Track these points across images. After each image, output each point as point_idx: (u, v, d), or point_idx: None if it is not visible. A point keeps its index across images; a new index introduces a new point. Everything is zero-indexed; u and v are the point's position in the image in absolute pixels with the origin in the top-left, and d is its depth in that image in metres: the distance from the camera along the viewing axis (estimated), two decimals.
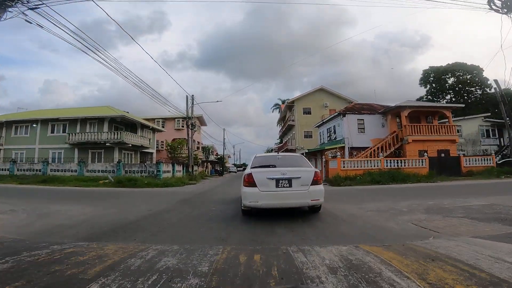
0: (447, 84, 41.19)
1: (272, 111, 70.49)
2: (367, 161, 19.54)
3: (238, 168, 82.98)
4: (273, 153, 11.93)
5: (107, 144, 25.65)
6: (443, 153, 22.04)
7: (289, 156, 7.98)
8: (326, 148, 22.73)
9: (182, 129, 38.59)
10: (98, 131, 26.81)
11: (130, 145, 26.59)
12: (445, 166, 20.10)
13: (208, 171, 42.58)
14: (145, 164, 24.43)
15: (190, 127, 25.81)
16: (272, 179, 5.68)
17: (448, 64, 42.23)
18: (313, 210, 6.60)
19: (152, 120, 38.66)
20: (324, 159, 22.56)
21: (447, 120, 23.73)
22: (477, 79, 40.56)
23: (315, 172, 6.03)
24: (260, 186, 5.66)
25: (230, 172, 57.49)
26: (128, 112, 34.38)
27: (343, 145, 22.94)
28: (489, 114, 31.40)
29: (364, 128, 23.86)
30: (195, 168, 34.14)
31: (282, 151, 47.56)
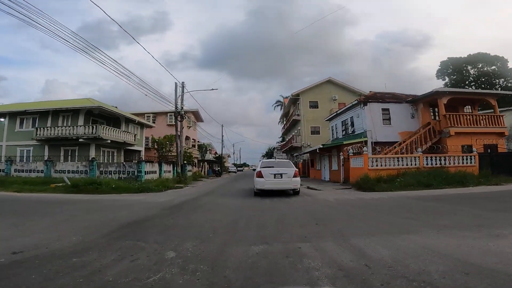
0: (470, 76, 36.55)
1: (274, 109, 65.92)
2: (402, 158, 14.93)
3: (239, 168, 78.32)
4: (272, 159, 16.85)
5: (80, 140, 21.08)
6: (490, 148, 17.47)
7: (281, 161, 13.33)
8: (344, 143, 18.12)
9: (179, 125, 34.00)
10: (71, 125, 22.25)
11: (109, 141, 21.99)
12: (499, 164, 15.51)
13: (204, 172, 37.98)
14: (124, 163, 19.82)
15: (179, 119, 21.17)
16: (272, 174, 10.66)
17: (469, 55, 37.66)
18: (295, 193, 11.36)
19: (142, 115, 34.05)
20: (342, 157, 17.96)
21: (492, 110, 19.19)
22: (501, 70, 35.94)
23: (295, 170, 11.18)
24: (265, 177, 10.59)
25: (229, 172, 52.87)
26: (116, 107, 29.89)
27: (364, 139, 18.34)
28: None
29: (390, 119, 19.24)
30: (189, 168, 29.52)
31: (286, 149, 43.05)
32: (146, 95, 27.10)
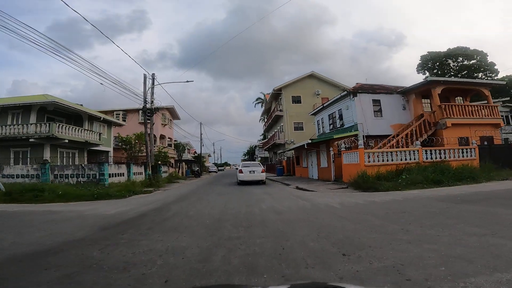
0: (451, 70, 36.27)
1: (255, 106, 63.77)
2: (401, 152, 13.29)
3: (220, 168, 75.47)
4: (248, 162, 25.75)
5: (31, 139, 17.88)
6: (486, 140, 16.36)
7: (254, 163, 20.71)
8: (334, 137, 16.31)
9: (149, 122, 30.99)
10: (22, 123, 18.93)
11: (67, 141, 18.89)
12: (498, 157, 14.30)
13: (182, 172, 35.23)
14: (83, 165, 16.90)
15: (148, 114, 18.50)
16: (248, 170, 16.75)
17: (449, 48, 37.44)
18: (263, 182, 16.89)
19: (110, 112, 30.78)
20: (332, 152, 16.14)
21: (485, 101, 18.15)
22: (481, 64, 35.94)
23: (262, 169, 17.61)
24: (244, 173, 16.65)
25: (210, 172, 50.15)
26: (82, 105, 26.54)
27: (355, 133, 16.65)
28: (508, 98, 26.47)
29: (381, 111, 17.69)
30: (164, 169, 26.75)
31: (268, 147, 41.09)
32: (101, 83, 24.13)
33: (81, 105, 27.35)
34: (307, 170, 21.08)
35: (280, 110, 33.86)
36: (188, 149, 44.73)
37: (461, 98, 19.11)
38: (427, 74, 38.51)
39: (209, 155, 75.22)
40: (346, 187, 12.08)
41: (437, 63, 37.61)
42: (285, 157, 29.98)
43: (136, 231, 4.94)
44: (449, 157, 13.66)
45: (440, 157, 13.49)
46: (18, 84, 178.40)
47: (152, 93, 19.24)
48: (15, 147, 19.14)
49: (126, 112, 31.37)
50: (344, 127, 18.37)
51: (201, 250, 3.74)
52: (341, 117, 19.03)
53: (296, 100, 34.15)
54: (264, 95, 47.79)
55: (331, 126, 20.55)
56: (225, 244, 3.97)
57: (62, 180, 16.52)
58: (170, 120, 35.47)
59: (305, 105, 33.63)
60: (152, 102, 18.84)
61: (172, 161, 33.26)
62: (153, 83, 19.52)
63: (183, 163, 36.00)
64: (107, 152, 25.90)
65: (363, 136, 16.49)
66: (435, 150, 13.68)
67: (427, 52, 38.71)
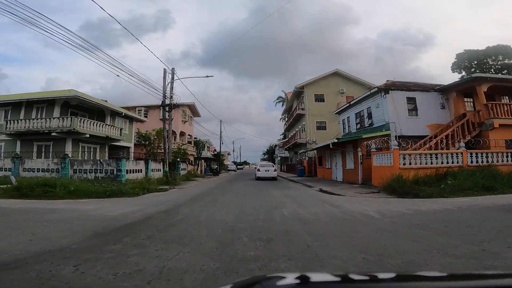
0: (491, 69, 33.22)
1: (275, 105, 62.77)
2: (442, 155, 11.67)
3: (239, 167, 74.62)
4: (264, 162, 32.82)
5: (53, 133, 17.87)
6: None
7: (268, 163, 26.51)
8: (363, 137, 14.85)
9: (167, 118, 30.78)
10: (46, 117, 19.02)
11: (88, 136, 18.76)
12: None
13: (201, 170, 34.76)
14: (101, 160, 16.60)
15: (167, 109, 17.94)
16: (263, 169, 21.53)
17: (488, 47, 34.31)
18: (275, 179, 20.75)
19: (133, 108, 30.80)
20: (360, 153, 14.71)
21: None
22: None
23: (274, 168, 23.43)
24: (261, 171, 21.24)
25: (229, 171, 49.66)
26: (106, 101, 26.74)
27: (386, 132, 15.10)
28: None
29: (416, 110, 15.99)
30: (183, 166, 26.29)
31: (289, 147, 39.76)
32: (117, 75, 23.80)
33: (106, 101, 27.59)
34: (331, 171, 19.66)
35: (302, 109, 32.47)
36: (208, 146, 44.37)
37: (507, 97, 16.94)
38: (463, 73, 35.60)
39: (228, 154, 74.92)
40: (378, 191, 10.69)
41: (475, 62, 34.63)
42: (306, 157, 28.62)
43: (132, 240, 4.03)
44: (497, 161, 11.88)
45: (487, 161, 11.74)
46: (51, 82, 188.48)
47: (172, 88, 18.68)
48: (38, 141, 19.29)
49: (148, 108, 31.30)
50: (374, 126, 16.81)
51: (205, 276, 2.73)
52: (370, 116, 17.47)
53: (319, 98, 32.63)
54: (285, 94, 46.43)
55: (358, 125, 19.01)
56: (238, 268, 2.94)
57: (81, 175, 16.31)
58: (191, 117, 35.13)
59: (328, 104, 32.04)
60: (171, 97, 18.24)
61: (192, 158, 32.87)
62: (172, 78, 18.97)
63: (202, 160, 35.56)
64: (128, 148, 25.82)
65: (396, 136, 14.95)
66: (482, 153, 11.93)
67: (464, 50, 35.72)
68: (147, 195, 11.20)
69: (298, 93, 34.58)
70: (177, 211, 6.86)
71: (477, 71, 33.92)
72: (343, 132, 21.75)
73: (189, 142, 33.71)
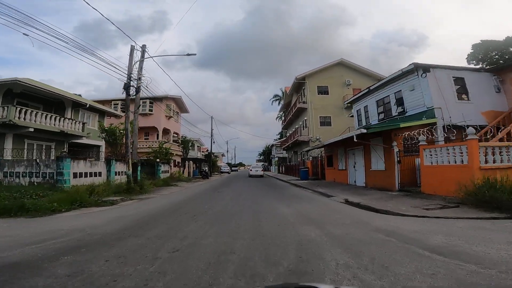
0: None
1: (272, 103, 58.40)
2: None
3: (233, 168, 69.96)
4: (255, 164, 46.64)
5: None
6: None
7: (258, 164, 42.02)
8: (402, 126, 10.55)
9: (150, 113, 26.26)
10: None
11: (32, 130, 14.15)
12: None
13: (189, 172, 30.23)
14: (38, 161, 12.03)
15: (131, 93, 13.40)
16: (254, 169, 30.86)
17: (508, 37, 30.65)
18: (262, 176, 28.85)
19: (108, 102, 26.20)
20: (396, 149, 10.45)
21: None
22: None
23: (262, 168, 34.24)
24: (252, 171, 30.38)
25: (222, 173, 45.07)
26: (80, 95, 22.24)
27: (430, 121, 10.91)
28: None
29: (467, 94, 11.84)
30: (164, 168, 21.77)
31: (288, 146, 35.44)
32: (25, 34, 19.58)
33: (80, 95, 23.00)
34: (346, 173, 15.34)
35: (304, 102, 28.24)
36: (198, 146, 39.81)
37: None
38: (481, 64, 31.83)
39: (222, 155, 70.39)
40: (454, 205, 6.39)
41: (494, 52, 31.02)
42: (310, 157, 24.31)
43: None
44: None
45: None
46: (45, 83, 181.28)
47: (141, 68, 14.16)
48: None
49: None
50: (407, 114, 12.59)
51: None
52: (400, 102, 13.25)
53: (322, 90, 28.47)
54: (283, 92, 42.03)
55: (382, 115, 14.78)
56: None
57: (12, 180, 11.77)
58: (177, 113, 30.60)
59: (333, 97, 27.95)
60: (139, 79, 13.75)
61: (177, 159, 28.33)
62: (142, 56, 14.46)
63: (191, 162, 31.00)
64: (98, 146, 21.20)
65: (444, 126, 10.76)
66: None
67: (480, 41, 31.99)
68: (69, 213, 6.74)
69: (299, 86, 30.36)
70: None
71: (501, 61, 30.05)
72: (358, 125, 17.49)
73: (176, 141, 29.13)
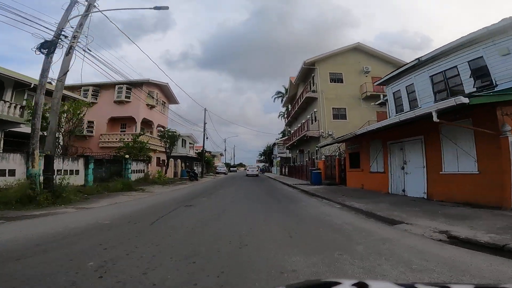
0: None
1: (274, 100, 53.54)
2: None
3: (232, 169, 65.06)
4: (252, 165, 51.63)
5: None
6: None
7: (254, 165, 50.32)
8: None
9: (127, 101, 21.39)
10: None
11: None
12: None
13: (175, 172, 25.31)
14: None
15: (51, 53, 8.43)
16: (251, 169, 37.15)
17: None
18: (257, 176, 34.59)
19: (77, 88, 21.35)
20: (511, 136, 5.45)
21: None
22: None
23: (257, 169, 42.79)
24: (249, 171, 36.44)
25: (218, 173, 40.13)
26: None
27: None
28: None
29: None
30: (138, 166, 16.96)
31: (292, 144, 30.45)
32: None
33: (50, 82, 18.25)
34: (384, 177, 10.35)
35: (313, 91, 23.34)
36: (191, 144, 34.90)
37: None
38: None
39: (221, 154, 65.56)
40: None
41: None
42: (322, 156, 19.35)
43: None
44: None
45: None
46: None
47: (80, 25, 9.20)
48: None
49: (100, 88, 21.83)
50: (495, 88, 7.74)
51: None
52: (480, 73, 8.39)
53: (336, 78, 23.60)
54: (285, 88, 36.81)
55: (443, 94, 9.89)
56: None
57: None
58: (164, 103, 25.70)
59: (348, 86, 23.10)
60: (74, 37, 8.82)
61: (159, 156, 23.42)
62: (87, 10, 9.50)
63: (179, 160, 26.05)
64: (44, 136, 16.29)
65: None
66: None
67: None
68: None
69: (307, 73, 25.52)
70: None
71: None
72: (396, 112, 12.59)
73: (162, 137, 24.15)
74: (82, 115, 12.93)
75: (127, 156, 15.54)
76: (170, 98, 26.69)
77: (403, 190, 9.19)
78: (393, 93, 12.85)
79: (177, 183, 17.89)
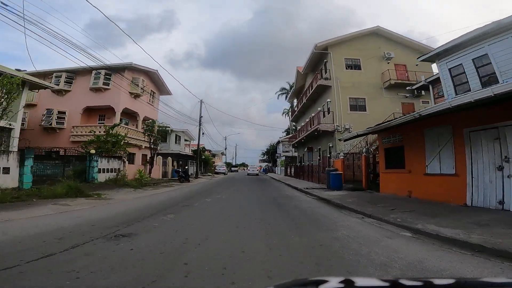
0: None
1: (278, 97, 49.85)
2: None
3: (233, 169, 62.62)
4: (253, 165, 51.52)
5: None
6: None
7: (254, 165, 49.84)
8: None
9: (106, 88, 17.88)
10: None
11: None
12: None
13: (164, 172, 21.78)
14: None
15: None
16: (251, 169, 41.80)
17: None
18: (257, 175, 36.65)
19: (48, 74, 17.96)
20: None
21: None
22: None
23: (258, 169, 46.94)
24: (250, 171, 41.04)
25: (217, 173, 36.53)
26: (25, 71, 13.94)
27: None
28: None
29: None
30: (110, 164, 13.45)
31: (299, 141, 26.78)
32: None
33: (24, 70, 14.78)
34: (456, 182, 6.64)
35: (326, 78, 19.73)
36: (187, 141, 31.40)
37: None
38: None
39: (222, 153, 62.07)
40: None
41: None
42: (341, 154, 15.66)
43: None
44: None
45: None
46: None
47: None
48: None
49: (75, 74, 18.36)
50: None
51: None
52: None
53: (353, 64, 19.99)
54: (296, 69, 32.59)
55: None
56: None
57: None
58: (153, 93, 22.20)
59: (367, 74, 19.49)
60: None
61: (151, 153, 19.90)
62: None
63: (169, 158, 22.46)
64: (9, 130, 12.86)
65: None
66: None
67: None
68: None
69: (317, 61, 21.94)
70: None
71: None
72: (455, 92, 8.95)
73: (148, 131, 20.61)
74: (14, 94, 9.40)
75: (92, 151, 12.01)
76: (160, 88, 23.18)
77: (501, 202, 5.52)
78: (450, 69, 9.17)
79: (160, 186, 14.31)
